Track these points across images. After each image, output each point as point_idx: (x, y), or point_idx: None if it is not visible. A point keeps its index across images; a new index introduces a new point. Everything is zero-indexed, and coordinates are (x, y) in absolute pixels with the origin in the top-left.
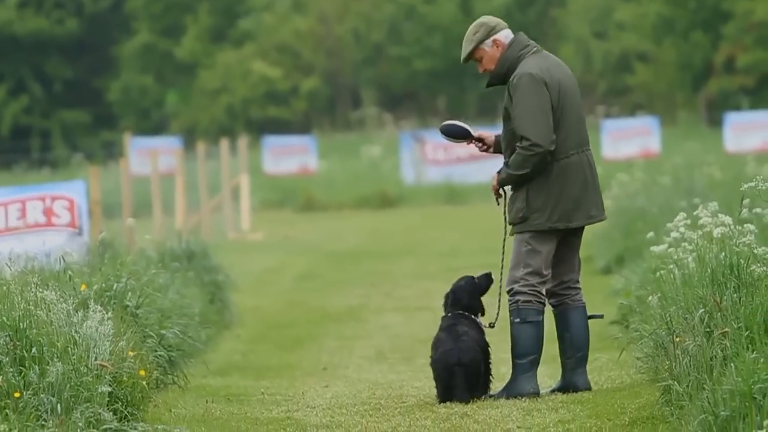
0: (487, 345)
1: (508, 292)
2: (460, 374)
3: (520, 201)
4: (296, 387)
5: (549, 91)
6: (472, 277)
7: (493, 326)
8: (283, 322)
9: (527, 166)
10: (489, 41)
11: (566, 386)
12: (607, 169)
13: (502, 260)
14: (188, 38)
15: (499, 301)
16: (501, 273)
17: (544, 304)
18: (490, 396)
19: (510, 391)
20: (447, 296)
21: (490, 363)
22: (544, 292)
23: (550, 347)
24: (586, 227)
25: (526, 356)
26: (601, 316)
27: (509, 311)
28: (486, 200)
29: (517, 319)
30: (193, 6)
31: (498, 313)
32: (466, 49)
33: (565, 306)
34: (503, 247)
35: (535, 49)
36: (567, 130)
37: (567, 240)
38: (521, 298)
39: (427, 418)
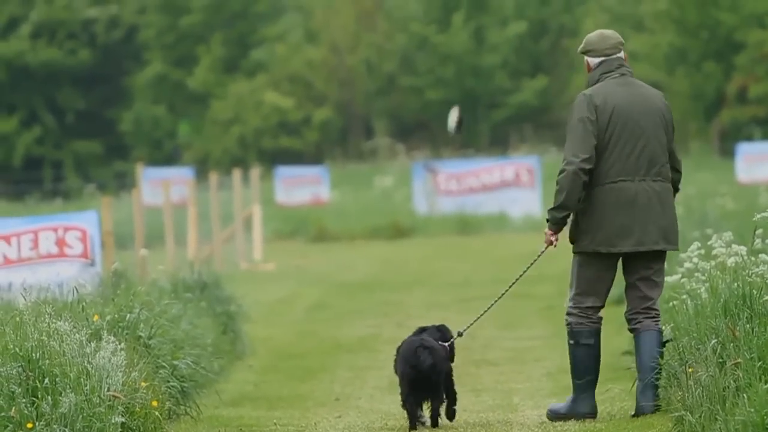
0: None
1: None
2: (424, 353)
3: (572, 223)
4: (309, 417)
5: (598, 113)
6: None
7: (461, 335)
8: (295, 352)
9: (561, 189)
10: (585, 58)
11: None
12: None
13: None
14: (201, 68)
15: (479, 317)
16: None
17: (598, 325)
18: (553, 414)
19: (570, 411)
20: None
21: (452, 377)
22: (599, 313)
23: (568, 376)
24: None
25: (582, 377)
26: (671, 340)
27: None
28: (498, 230)
29: (572, 341)
30: (206, 36)
31: (469, 325)
32: None
33: (636, 330)
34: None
35: (617, 75)
36: (617, 156)
37: (627, 266)
38: (573, 320)
39: None
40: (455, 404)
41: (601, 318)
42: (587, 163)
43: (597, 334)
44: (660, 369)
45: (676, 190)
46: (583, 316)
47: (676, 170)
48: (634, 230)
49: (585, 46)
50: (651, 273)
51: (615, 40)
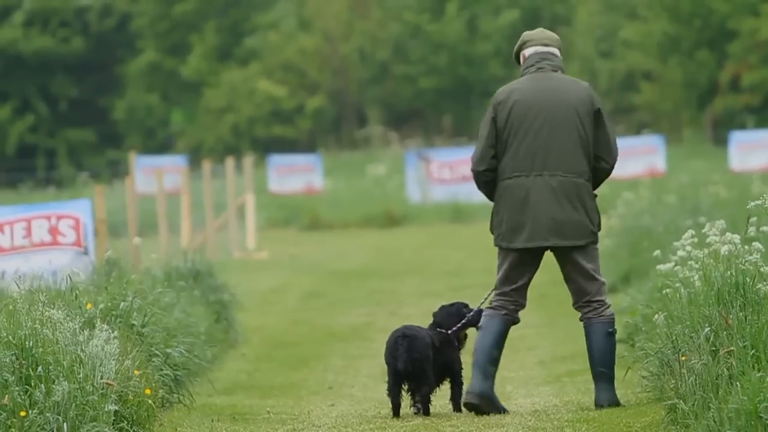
0: (435, 346)
1: None
2: (403, 344)
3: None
4: (302, 406)
5: (497, 111)
6: (465, 306)
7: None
8: (288, 341)
9: (478, 188)
10: (521, 54)
11: (595, 401)
12: (613, 188)
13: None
14: (194, 57)
15: (484, 300)
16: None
17: (507, 314)
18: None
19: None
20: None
21: (459, 366)
22: (515, 303)
23: (560, 364)
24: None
25: (478, 360)
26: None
27: None
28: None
29: (481, 326)
30: (199, 24)
31: (474, 311)
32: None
33: (586, 322)
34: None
35: (533, 69)
36: (515, 152)
37: (557, 259)
38: (491, 305)
39: None
40: (461, 394)
41: (515, 312)
42: (480, 166)
43: (505, 324)
44: (606, 359)
45: (597, 180)
46: (496, 304)
47: (603, 159)
48: (525, 226)
49: (521, 41)
50: (584, 268)
51: (546, 35)
